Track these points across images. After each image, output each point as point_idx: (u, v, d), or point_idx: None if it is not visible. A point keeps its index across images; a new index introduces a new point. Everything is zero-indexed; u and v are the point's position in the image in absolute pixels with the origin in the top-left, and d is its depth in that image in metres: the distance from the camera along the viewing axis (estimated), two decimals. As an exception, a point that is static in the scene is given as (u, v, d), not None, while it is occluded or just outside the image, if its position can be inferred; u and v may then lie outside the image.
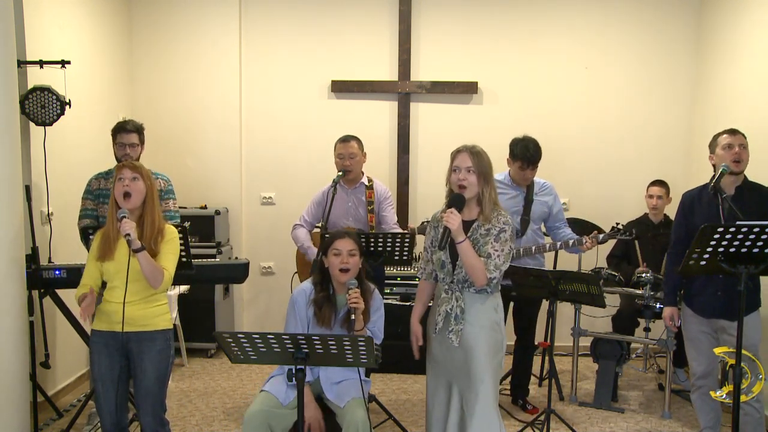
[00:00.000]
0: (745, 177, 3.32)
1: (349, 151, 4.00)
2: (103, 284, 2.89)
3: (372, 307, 3.05)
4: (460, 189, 2.78)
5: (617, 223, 3.99)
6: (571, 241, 3.92)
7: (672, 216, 4.72)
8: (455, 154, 2.82)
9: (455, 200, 2.75)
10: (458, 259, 2.79)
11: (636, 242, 4.65)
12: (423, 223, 4.11)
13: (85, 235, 3.68)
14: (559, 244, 3.96)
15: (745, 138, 3.30)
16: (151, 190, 2.90)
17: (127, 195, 2.81)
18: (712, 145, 3.36)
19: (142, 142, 3.82)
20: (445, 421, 2.86)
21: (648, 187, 4.77)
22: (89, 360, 2.95)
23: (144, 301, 2.86)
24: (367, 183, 4.10)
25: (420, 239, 4.12)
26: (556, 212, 4.05)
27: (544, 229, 4.17)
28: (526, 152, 3.82)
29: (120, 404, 2.92)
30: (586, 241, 3.84)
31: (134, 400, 2.97)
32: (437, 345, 2.90)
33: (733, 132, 3.31)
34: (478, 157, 2.78)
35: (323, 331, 2.96)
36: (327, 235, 3.24)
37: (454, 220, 2.66)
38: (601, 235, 3.88)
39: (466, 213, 2.80)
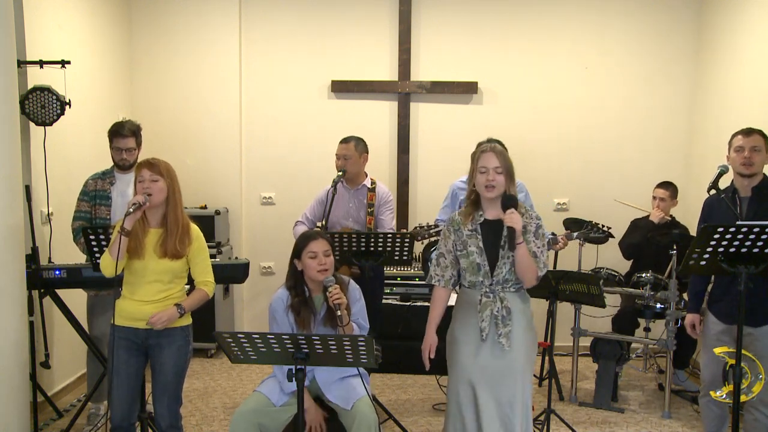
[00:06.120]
0: (765, 176, 3.15)
1: (343, 153, 4.01)
2: (120, 281, 2.89)
3: (351, 300, 3.03)
4: (487, 190, 2.72)
5: (590, 221, 4.03)
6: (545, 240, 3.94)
7: (678, 217, 4.74)
8: (479, 155, 2.76)
9: (510, 201, 2.69)
10: (498, 260, 2.73)
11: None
12: (416, 227, 4.09)
13: (80, 234, 3.51)
14: None
15: (764, 137, 3.13)
16: (173, 188, 2.90)
17: (148, 196, 2.81)
18: (729, 145, 3.23)
19: (139, 144, 3.79)
20: (477, 422, 2.71)
21: (654, 188, 4.76)
22: (107, 353, 2.97)
23: (166, 299, 2.90)
24: (369, 185, 4.09)
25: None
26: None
27: None
28: None
29: (132, 400, 2.94)
30: (559, 240, 3.91)
31: (152, 392, 2.98)
32: (482, 352, 2.73)
33: (747, 133, 3.14)
34: (503, 156, 2.74)
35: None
36: (323, 235, 3.22)
37: (518, 220, 2.63)
38: (574, 233, 3.93)
39: (491, 213, 2.76)
